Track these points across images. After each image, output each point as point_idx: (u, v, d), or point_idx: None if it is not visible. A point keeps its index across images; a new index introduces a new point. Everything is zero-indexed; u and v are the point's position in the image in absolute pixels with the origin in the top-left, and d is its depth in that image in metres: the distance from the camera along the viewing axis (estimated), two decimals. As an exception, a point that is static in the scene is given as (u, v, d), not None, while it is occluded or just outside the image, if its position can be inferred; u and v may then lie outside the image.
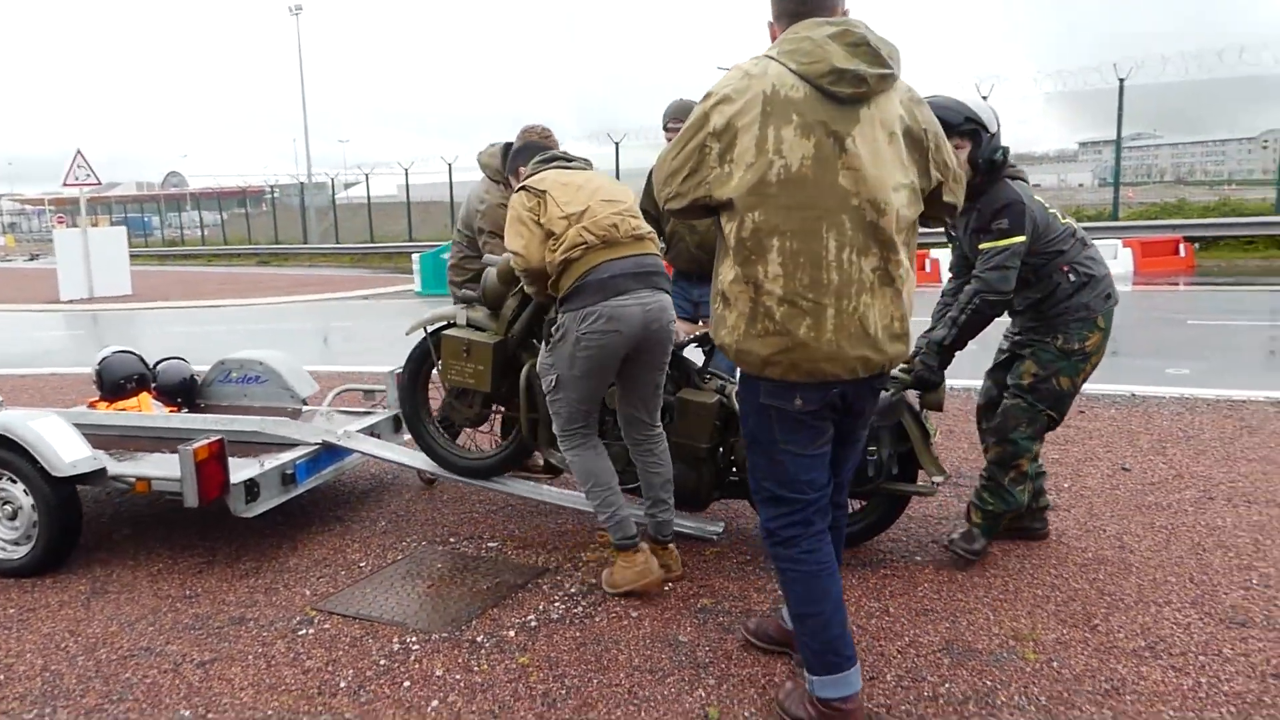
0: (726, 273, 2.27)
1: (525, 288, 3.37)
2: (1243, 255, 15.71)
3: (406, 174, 29.64)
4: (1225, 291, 12.27)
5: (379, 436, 4.53)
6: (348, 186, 38.58)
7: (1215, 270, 14.74)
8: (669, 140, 4.55)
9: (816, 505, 2.36)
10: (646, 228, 3.22)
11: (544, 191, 3.18)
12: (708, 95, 2.24)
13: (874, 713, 2.47)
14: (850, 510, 3.38)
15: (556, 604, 3.27)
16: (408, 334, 4.11)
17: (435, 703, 2.65)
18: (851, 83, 2.13)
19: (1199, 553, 3.46)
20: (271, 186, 40.28)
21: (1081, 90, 18.61)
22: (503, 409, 4.11)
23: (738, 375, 2.45)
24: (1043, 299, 3.33)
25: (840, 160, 2.14)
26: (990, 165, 3.21)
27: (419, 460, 4.30)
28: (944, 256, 15.27)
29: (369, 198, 32.46)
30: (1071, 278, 3.29)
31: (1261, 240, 15.71)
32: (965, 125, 3.18)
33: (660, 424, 3.42)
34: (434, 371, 4.07)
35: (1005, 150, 3.23)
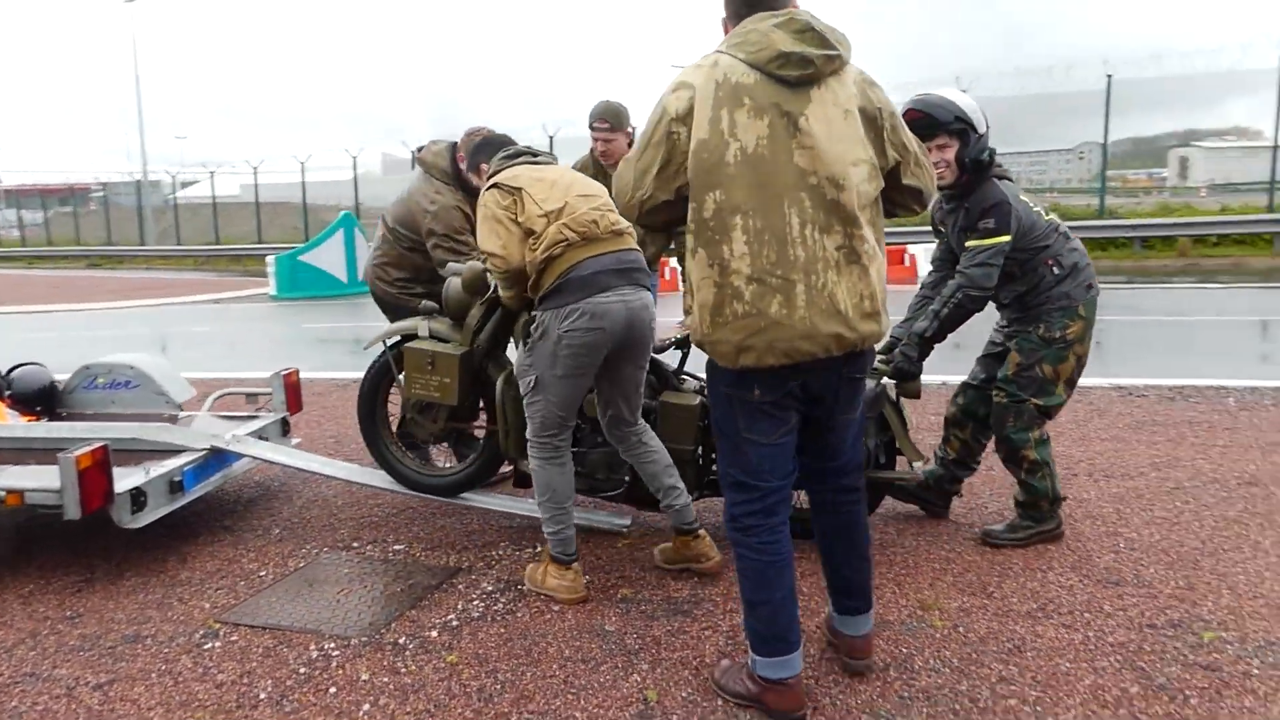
0: (690, 261, 2.29)
1: (502, 292, 3.21)
2: (1069, 256, 17.01)
3: (255, 173, 28.33)
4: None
5: (267, 441, 4.35)
6: (185, 185, 36.48)
7: (1046, 270, 15.91)
8: (594, 139, 4.62)
9: (779, 495, 2.39)
10: (625, 223, 3.12)
11: (519, 189, 3.06)
12: (663, 96, 2.29)
13: (809, 687, 2.57)
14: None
15: (475, 603, 3.24)
16: (366, 348, 3.98)
17: (367, 706, 2.58)
18: (798, 64, 2.19)
19: (1071, 523, 3.76)
20: (101, 184, 37.59)
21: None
22: (466, 424, 3.99)
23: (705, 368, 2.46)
24: (1027, 291, 3.46)
25: (795, 140, 2.19)
26: (977, 165, 3.33)
27: (314, 463, 4.16)
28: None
29: (214, 197, 30.80)
30: (1055, 270, 3.43)
31: (1085, 243, 17.00)
32: (954, 124, 3.31)
33: (641, 419, 3.36)
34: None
35: (992, 151, 3.37)
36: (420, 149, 4.34)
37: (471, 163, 3.62)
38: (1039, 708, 2.45)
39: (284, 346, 10.91)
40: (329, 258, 17.47)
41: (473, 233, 3.88)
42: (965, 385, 3.81)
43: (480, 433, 3.98)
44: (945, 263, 3.75)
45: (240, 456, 4.14)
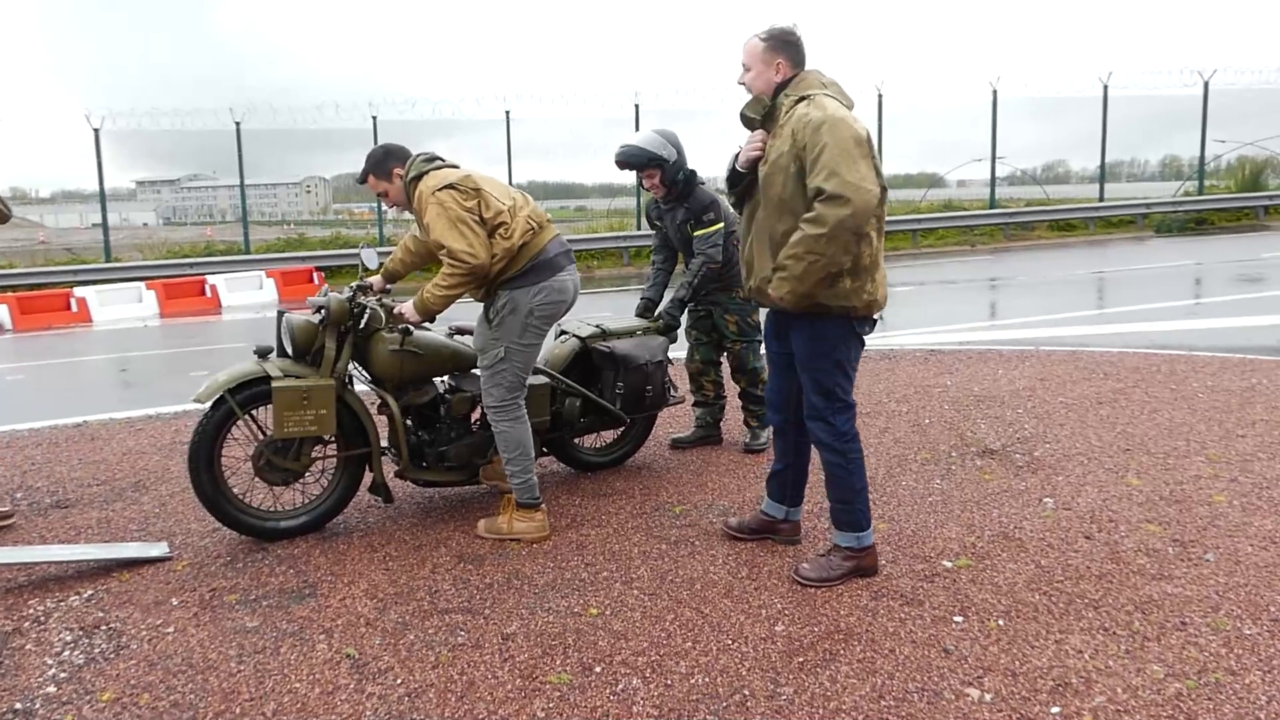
0: (873, 247, 3.01)
1: (448, 290, 3.53)
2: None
3: None
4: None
5: None
6: None
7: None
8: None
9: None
10: (546, 213, 3.77)
11: (479, 189, 3.52)
12: (844, 118, 2.97)
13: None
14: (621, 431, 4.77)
15: (69, 653, 2.94)
16: (202, 401, 3.46)
17: (59, 759, 2.33)
18: None
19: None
20: None
21: (137, 130, 19.39)
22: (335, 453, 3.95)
23: (810, 324, 3.12)
24: (725, 265, 4.63)
25: None
26: (682, 180, 4.62)
27: None
28: (221, 282, 15.24)
29: None
30: (732, 246, 4.62)
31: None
32: (649, 163, 4.53)
33: None
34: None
35: (691, 171, 4.66)
36: None
37: (381, 169, 3.65)
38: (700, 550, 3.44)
39: None
40: None
41: None
42: (694, 347, 5.01)
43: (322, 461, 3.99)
44: (662, 248, 4.97)
45: None
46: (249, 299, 15.61)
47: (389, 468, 4.14)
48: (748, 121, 3.24)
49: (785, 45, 3.11)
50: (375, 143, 19.58)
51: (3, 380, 9.02)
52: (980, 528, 3.74)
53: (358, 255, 4.13)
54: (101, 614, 3.22)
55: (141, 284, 15.24)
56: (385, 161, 3.70)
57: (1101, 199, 22.73)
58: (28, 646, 3.00)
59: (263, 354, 3.77)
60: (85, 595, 3.38)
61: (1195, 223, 21.26)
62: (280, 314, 3.88)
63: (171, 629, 3.08)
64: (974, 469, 4.50)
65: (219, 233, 34.74)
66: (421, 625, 3.03)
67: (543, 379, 4.25)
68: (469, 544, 3.75)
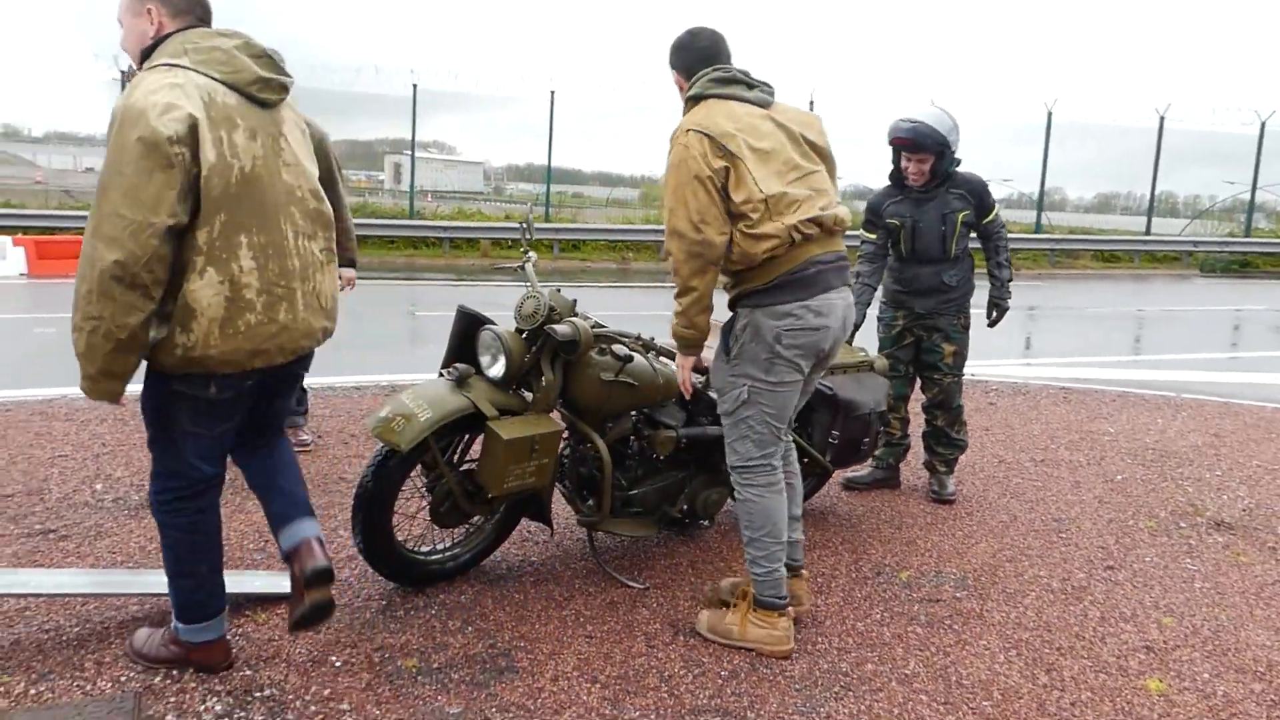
0: (196, 281, 2.19)
1: (686, 278, 2.62)
2: (386, 252, 17.65)
3: None
4: (398, 286, 13.86)
5: None
6: None
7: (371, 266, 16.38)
8: None
9: (211, 481, 2.44)
10: (846, 212, 2.69)
11: (736, 156, 2.54)
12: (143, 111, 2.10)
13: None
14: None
15: (221, 733, 2.25)
16: (401, 447, 2.69)
17: None
18: (276, 90, 2.35)
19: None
20: None
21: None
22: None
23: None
24: (960, 279, 4.02)
25: (280, 158, 2.35)
26: (945, 170, 3.96)
27: None
28: None
29: None
30: (968, 260, 4.07)
31: (399, 243, 17.87)
32: (935, 147, 3.88)
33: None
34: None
35: (958, 160, 4.00)
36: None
37: (683, 61, 2.80)
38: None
39: None
40: None
41: None
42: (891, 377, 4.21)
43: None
44: (877, 256, 4.18)
45: None
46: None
47: (560, 506, 3.46)
48: None
49: None
50: (414, 112, 19.01)
51: (31, 333, 8.25)
52: (1291, 634, 3.10)
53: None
54: (250, 672, 2.53)
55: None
56: (681, 55, 2.82)
57: (1148, 232, 22.21)
58: (168, 718, 2.31)
59: (463, 378, 2.97)
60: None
61: (1239, 265, 20.87)
62: (474, 320, 3.09)
63: (347, 705, 2.40)
64: (1217, 546, 3.86)
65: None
66: (676, 731, 2.36)
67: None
68: (671, 604, 3.08)
